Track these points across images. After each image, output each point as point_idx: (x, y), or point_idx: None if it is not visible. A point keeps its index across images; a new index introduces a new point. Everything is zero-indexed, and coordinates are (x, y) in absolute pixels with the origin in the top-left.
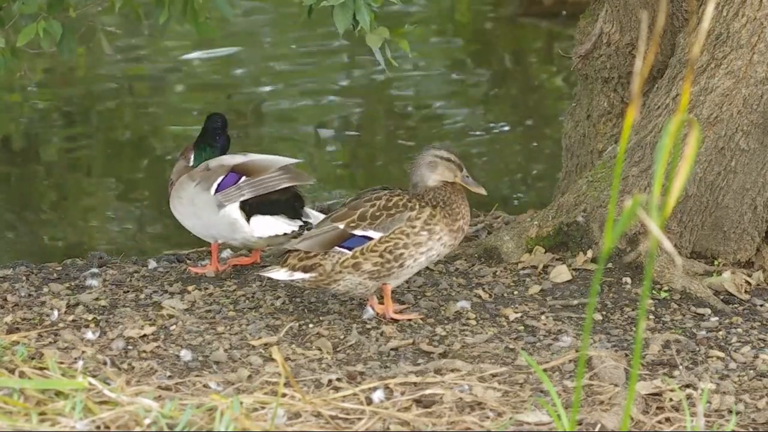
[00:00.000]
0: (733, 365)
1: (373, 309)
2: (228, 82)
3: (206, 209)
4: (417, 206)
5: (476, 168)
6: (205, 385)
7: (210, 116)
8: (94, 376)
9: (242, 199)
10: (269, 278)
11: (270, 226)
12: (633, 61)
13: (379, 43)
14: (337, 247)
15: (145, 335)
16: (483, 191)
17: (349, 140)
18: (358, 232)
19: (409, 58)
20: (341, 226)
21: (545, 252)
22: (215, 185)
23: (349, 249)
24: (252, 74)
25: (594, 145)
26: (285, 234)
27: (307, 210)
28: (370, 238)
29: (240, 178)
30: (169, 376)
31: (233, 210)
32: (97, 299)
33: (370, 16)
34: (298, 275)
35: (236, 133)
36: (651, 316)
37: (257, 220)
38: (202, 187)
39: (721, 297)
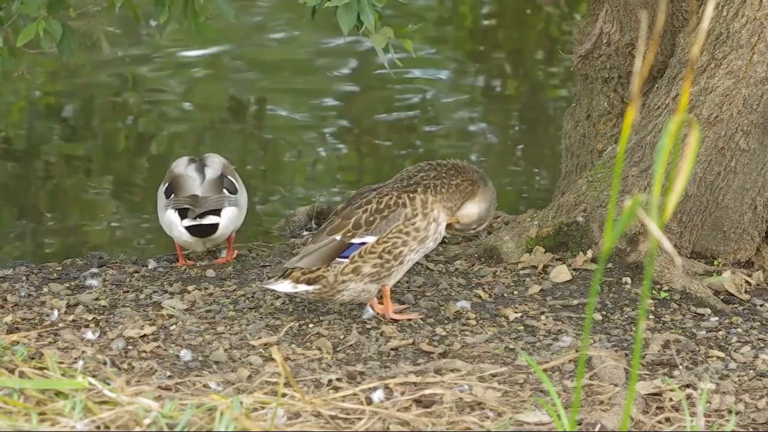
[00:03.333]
0: (733, 365)
1: (372, 309)
2: (229, 81)
3: (161, 205)
4: (408, 201)
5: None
6: (205, 385)
7: None
8: (94, 376)
9: (170, 208)
10: (273, 290)
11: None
12: (633, 61)
13: (384, 43)
14: (338, 258)
15: (145, 335)
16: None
17: (351, 139)
18: (355, 240)
19: (412, 57)
20: (338, 237)
21: (545, 252)
22: (163, 187)
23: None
24: (253, 74)
25: (594, 145)
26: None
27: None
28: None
29: (171, 194)
30: (169, 376)
31: (172, 213)
32: (97, 299)
33: (375, 16)
34: (302, 287)
35: (239, 128)
36: (651, 316)
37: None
38: (161, 187)
39: (721, 297)
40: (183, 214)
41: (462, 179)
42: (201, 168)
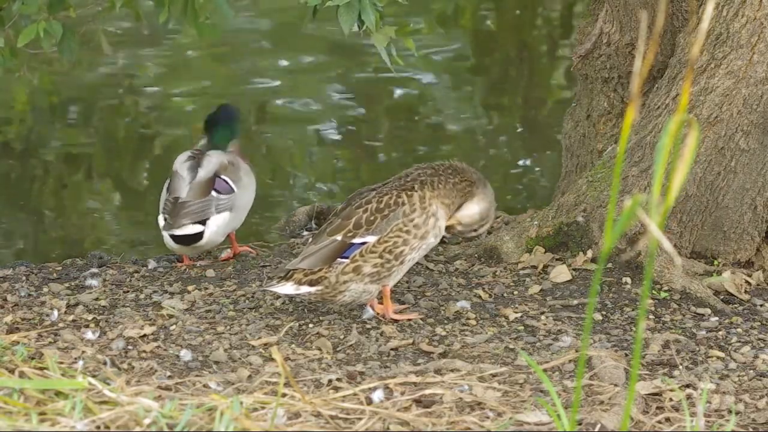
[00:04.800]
0: (733, 365)
1: (372, 309)
2: (230, 81)
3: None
4: (406, 198)
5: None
6: (205, 385)
7: (221, 105)
8: (94, 376)
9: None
10: (275, 293)
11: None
12: (633, 61)
13: (385, 43)
14: (339, 259)
15: (145, 335)
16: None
17: (350, 139)
18: (356, 240)
19: (413, 56)
20: (339, 237)
21: (545, 252)
22: (165, 185)
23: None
24: (254, 74)
25: (594, 145)
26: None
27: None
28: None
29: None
30: (169, 376)
31: (161, 218)
32: (97, 299)
33: (376, 15)
34: (305, 289)
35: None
36: (651, 316)
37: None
38: (165, 183)
39: (721, 297)
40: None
41: (459, 179)
42: (195, 167)
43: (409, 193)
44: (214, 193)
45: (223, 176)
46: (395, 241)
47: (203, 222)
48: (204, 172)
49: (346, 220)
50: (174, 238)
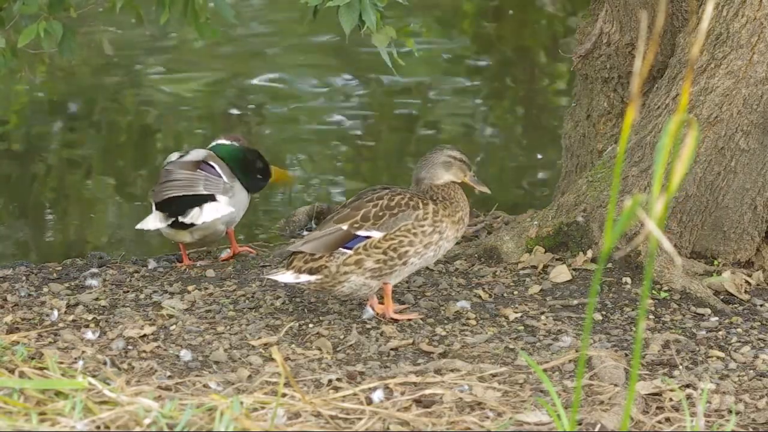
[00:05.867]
0: (733, 365)
1: (372, 309)
2: (230, 81)
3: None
4: (421, 205)
5: (476, 166)
6: (205, 385)
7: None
8: (94, 376)
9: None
10: (275, 281)
11: (149, 221)
12: (633, 61)
13: (386, 43)
14: (341, 248)
15: (145, 335)
16: (487, 190)
17: (350, 140)
18: (361, 232)
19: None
20: (345, 227)
21: (545, 252)
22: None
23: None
24: (255, 73)
25: (594, 145)
26: (157, 228)
27: (196, 213)
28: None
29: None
30: (169, 376)
31: (153, 205)
32: (97, 299)
33: (376, 15)
34: (304, 277)
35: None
36: (651, 316)
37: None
38: None
39: (721, 297)
40: (160, 207)
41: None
42: (184, 154)
43: (425, 201)
44: (199, 171)
45: (211, 162)
46: (401, 240)
47: (199, 205)
48: (191, 157)
49: (354, 211)
50: (165, 209)
